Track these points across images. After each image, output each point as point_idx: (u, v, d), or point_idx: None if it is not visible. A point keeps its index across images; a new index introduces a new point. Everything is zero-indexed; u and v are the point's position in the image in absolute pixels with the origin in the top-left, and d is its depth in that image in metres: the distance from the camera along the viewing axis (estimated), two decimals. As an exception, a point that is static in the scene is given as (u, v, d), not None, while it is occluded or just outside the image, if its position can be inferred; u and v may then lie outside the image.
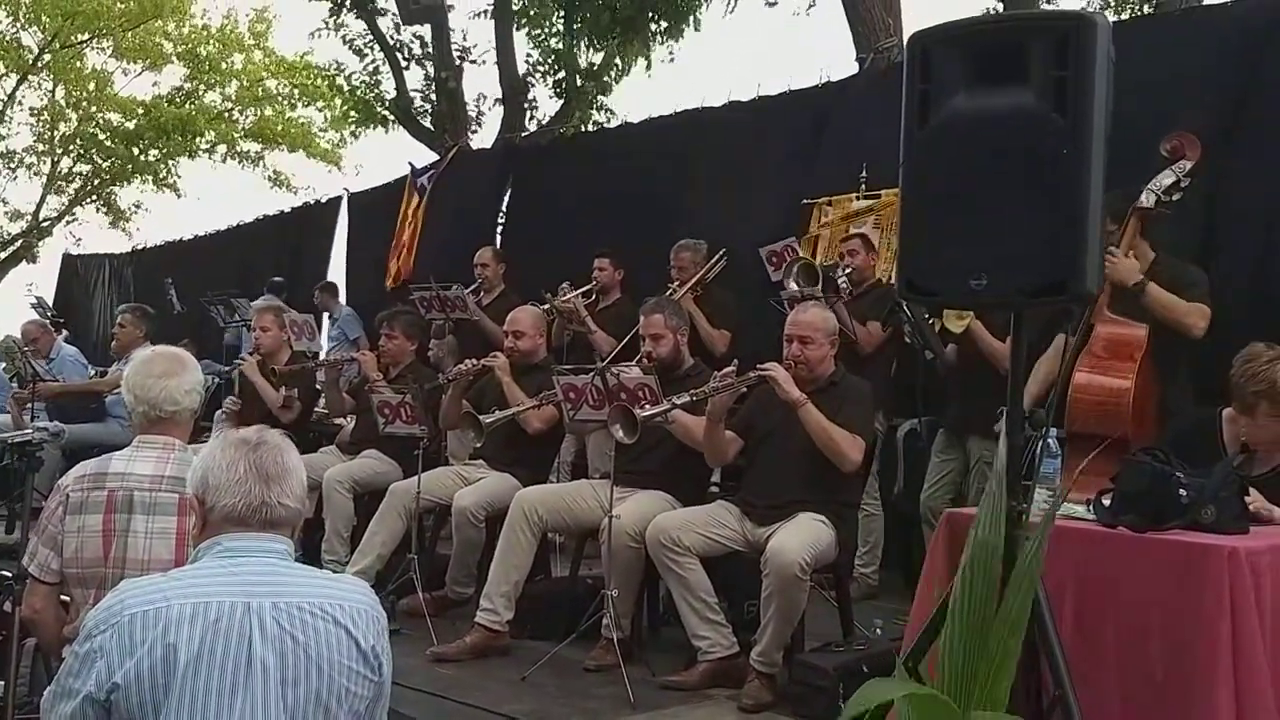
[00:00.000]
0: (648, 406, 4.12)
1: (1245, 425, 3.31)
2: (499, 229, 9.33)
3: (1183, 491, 2.73)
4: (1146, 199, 3.84)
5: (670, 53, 12.22)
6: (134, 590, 1.95)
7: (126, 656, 1.87)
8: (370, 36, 12.66)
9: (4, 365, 7.85)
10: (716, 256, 6.25)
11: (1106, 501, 2.84)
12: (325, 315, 9.94)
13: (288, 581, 2.01)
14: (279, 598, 1.96)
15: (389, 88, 12.80)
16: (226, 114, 19.91)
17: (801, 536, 3.80)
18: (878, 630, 4.24)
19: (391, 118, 12.83)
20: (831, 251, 6.57)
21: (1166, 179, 3.83)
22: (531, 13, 11.87)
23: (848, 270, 5.57)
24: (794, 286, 5.30)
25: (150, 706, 1.86)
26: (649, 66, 12.41)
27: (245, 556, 2.02)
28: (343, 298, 10.06)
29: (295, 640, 1.94)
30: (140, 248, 15.91)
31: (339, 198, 11.34)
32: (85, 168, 21.09)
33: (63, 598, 2.86)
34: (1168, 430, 3.58)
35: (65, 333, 9.69)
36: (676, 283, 6.12)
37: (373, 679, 2.03)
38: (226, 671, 1.89)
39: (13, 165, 20.96)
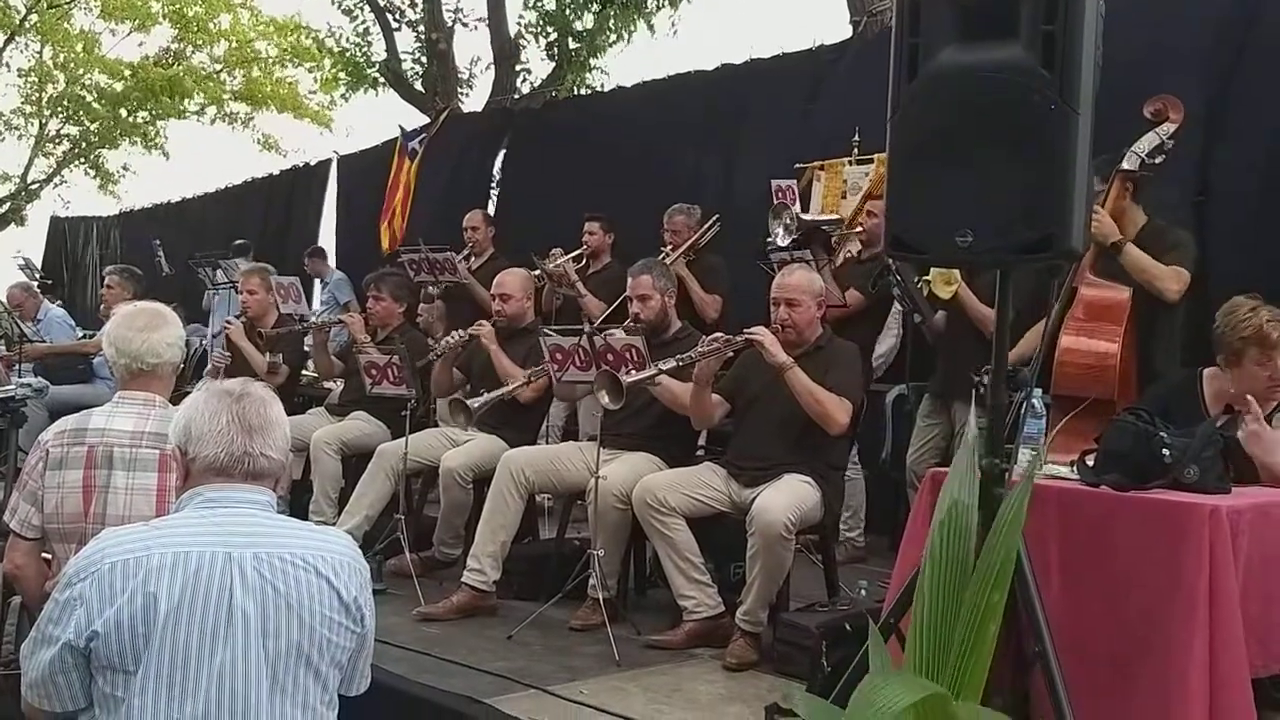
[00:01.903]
0: (634, 371, 4.11)
1: (1234, 377, 3.32)
2: (492, 192, 9.30)
3: (1166, 451, 2.74)
4: (1130, 161, 3.83)
5: (673, 23, 12.13)
6: (115, 539, 1.95)
7: (106, 605, 1.87)
8: (360, -2, 12.56)
9: (-9, 328, 7.80)
10: (710, 222, 6.22)
11: (1090, 461, 2.86)
12: (316, 280, 9.90)
13: (269, 532, 2.01)
14: (260, 548, 1.96)
15: (379, 50, 12.70)
16: (214, 75, 19.72)
17: (787, 496, 3.81)
18: (862, 591, 4.25)
19: (382, 80, 12.72)
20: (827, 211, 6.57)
21: (1150, 141, 3.82)
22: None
23: (859, 232, 5.53)
24: (780, 231, 5.29)
25: (130, 655, 1.87)
26: (652, 32, 12.32)
27: (227, 507, 2.02)
28: (332, 261, 10.01)
29: (276, 590, 1.94)
30: (128, 210, 15.82)
31: (329, 160, 11.28)
32: (73, 130, 20.90)
33: (44, 555, 2.86)
34: (1148, 391, 3.59)
35: (49, 296, 9.60)
36: (669, 246, 6.10)
37: (355, 630, 2.04)
38: (207, 621, 1.89)
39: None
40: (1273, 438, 3.07)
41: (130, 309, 2.95)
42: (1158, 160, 3.84)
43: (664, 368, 4.09)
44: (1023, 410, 2.78)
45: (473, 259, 6.89)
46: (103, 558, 1.91)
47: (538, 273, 6.21)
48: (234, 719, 1.88)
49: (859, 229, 5.58)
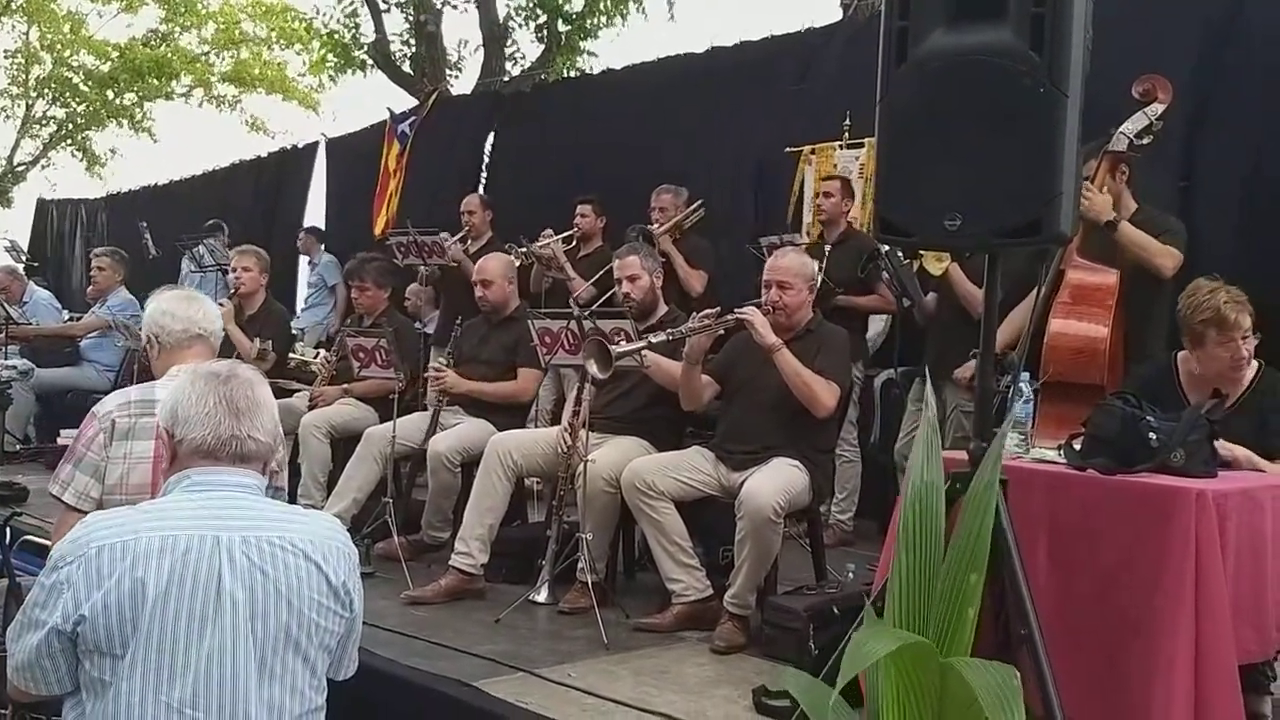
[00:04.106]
0: (624, 343, 4.10)
1: (1198, 359, 3.36)
2: (482, 175, 9.27)
3: (1152, 435, 2.75)
4: (1118, 142, 3.83)
5: (670, 5, 12.11)
6: (102, 523, 1.94)
7: (93, 589, 1.86)
8: (350, -22, 12.49)
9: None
10: (694, 205, 6.22)
11: (1077, 445, 2.86)
12: (306, 259, 9.86)
13: (257, 516, 2.00)
14: (248, 532, 1.95)
15: (368, 31, 12.64)
16: (202, 57, 19.61)
17: (775, 480, 3.82)
18: (850, 574, 4.27)
19: (370, 62, 12.66)
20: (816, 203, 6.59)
21: (1139, 122, 3.81)
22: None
23: (821, 217, 5.54)
24: None
25: (117, 639, 1.86)
26: (645, 16, 12.28)
27: (215, 490, 2.01)
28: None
29: (264, 574, 1.93)
30: (115, 193, 15.73)
31: (316, 143, 11.23)
32: (59, 111, 20.78)
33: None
34: (1129, 375, 3.60)
35: (35, 278, 9.56)
36: (656, 224, 6.09)
37: (343, 614, 2.03)
38: (195, 605, 1.88)
39: (-14, 109, 20.65)
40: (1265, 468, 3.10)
41: (169, 292, 3.07)
42: (1145, 141, 3.84)
43: (654, 340, 4.08)
44: (1010, 394, 2.78)
45: (470, 243, 6.85)
46: (89, 541, 1.90)
47: (524, 250, 6.19)
48: (222, 703, 1.88)
49: (822, 214, 5.60)
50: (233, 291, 6.09)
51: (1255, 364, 3.36)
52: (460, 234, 6.81)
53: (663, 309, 4.67)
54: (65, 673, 1.92)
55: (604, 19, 12.12)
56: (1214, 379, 3.34)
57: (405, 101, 11.09)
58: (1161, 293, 3.89)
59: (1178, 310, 3.39)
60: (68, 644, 1.89)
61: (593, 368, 3.98)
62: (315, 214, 10.97)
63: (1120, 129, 3.82)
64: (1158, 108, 3.81)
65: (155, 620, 1.86)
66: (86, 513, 2.74)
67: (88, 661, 1.89)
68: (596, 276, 5.55)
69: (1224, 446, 2.99)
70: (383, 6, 12.34)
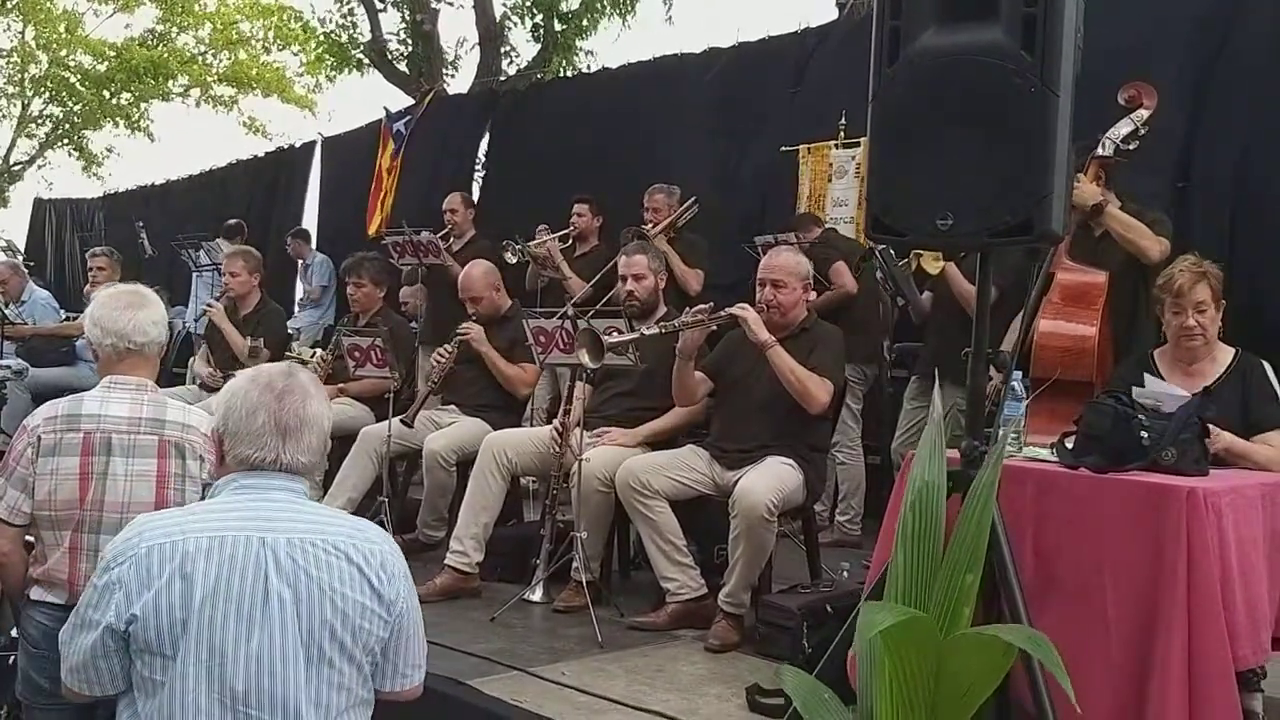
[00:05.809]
0: (616, 335, 4.10)
1: (1167, 334, 3.41)
2: (476, 175, 9.28)
3: (1144, 433, 2.75)
4: (1104, 147, 3.86)
5: (668, 7, 12.13)
6: (151, 524, 1.97)
7: (144, 588, 1.89)
8: (346, -23, 12.48)
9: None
10: (687, 203, 6.23)
11: (1069, 444, 2.87)
12: (299, 262, 9.86)
13: (303, 518, 2.02)
14: (294, 533, 1.97)
15: (364, 30, 12.64)
16: (199, 57, 19.60)
17: (769, 479, 3.82)
18: (844, 573, 4.28)
19: (366, 61, 12.67)
20: (813, 203, 6.63)
21: (1124, 128, 3.85)
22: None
23: None
24: None
25: (168, 639, 1.88)
26: (634, 12, 12.27)
27: (261, 494, 2.03)
28: (314, 243, 9.96)
29: (309, 576, 1.95)
30: (112, 192, 15.73)
31: (313, 142, 11.23)
32: (56, 111, 20.77)
33: (26, 538, 2.83)
34: (1114, 373, 3.61)
35: (34, 278, 9.54)
36: (650, 225, 6.09)
37: (385, 618, 2.02)
38: (244, 605, 1.90)
39: (-19, 108, 20.63)
40: (1244, 448, 3.11)
41: (113, 290, 2.93)
42: (1132, 146, 3.88)
43: (647, 333, 4.08)
44: (1003, 392, 2.79)
45: (453, 241, 6.85)
46: (140, 541, 1.92)
47: (520, 248, 6.20)
48: (272, 701, 1.89)
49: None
50: (221, 293, 6.10)
51: (1231, 350, 3.37)
52: (442, 232, 6.80)
53: (662, 309, 4.67)
54: (119, 672, 1.95)
55: (602, 18, 12.12)
56: (1177, 358, 3.37)
57: (401, 100, 11.09)
58: (1148, 291, 3.91)
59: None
60: (121, 644, 1.91)
61: (584, 358, 3.98)
62: (312, 213, 10.99)
63: (1107, 135, 3.86)
64: (1143, 113, 3.86)
65: (204, 619, 1.88)
66: (19, 526, 2.73)
67: (139, 661, 1.91)
68: (597, 278, 5.54)
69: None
70: (379, 6, 12.34)
